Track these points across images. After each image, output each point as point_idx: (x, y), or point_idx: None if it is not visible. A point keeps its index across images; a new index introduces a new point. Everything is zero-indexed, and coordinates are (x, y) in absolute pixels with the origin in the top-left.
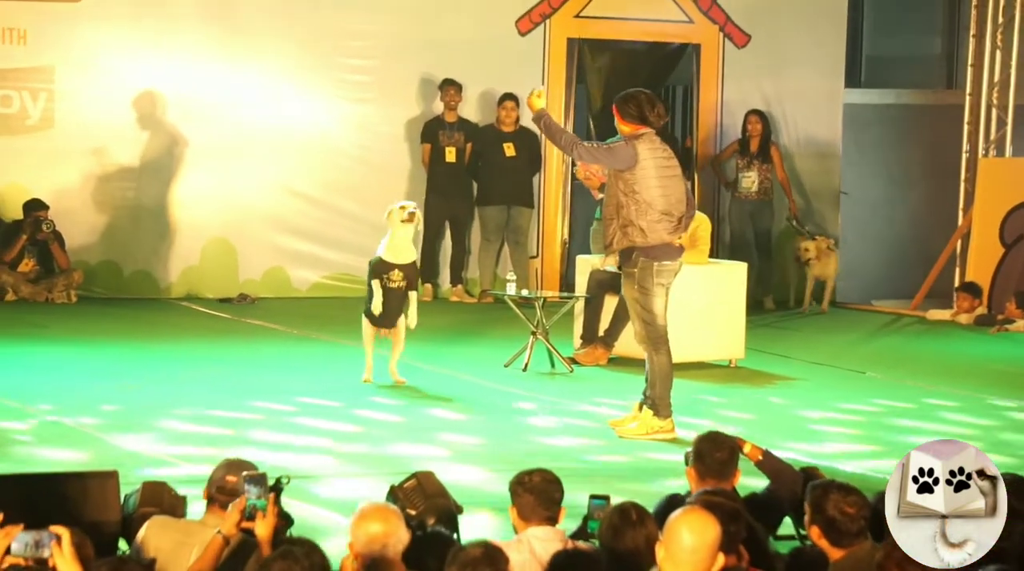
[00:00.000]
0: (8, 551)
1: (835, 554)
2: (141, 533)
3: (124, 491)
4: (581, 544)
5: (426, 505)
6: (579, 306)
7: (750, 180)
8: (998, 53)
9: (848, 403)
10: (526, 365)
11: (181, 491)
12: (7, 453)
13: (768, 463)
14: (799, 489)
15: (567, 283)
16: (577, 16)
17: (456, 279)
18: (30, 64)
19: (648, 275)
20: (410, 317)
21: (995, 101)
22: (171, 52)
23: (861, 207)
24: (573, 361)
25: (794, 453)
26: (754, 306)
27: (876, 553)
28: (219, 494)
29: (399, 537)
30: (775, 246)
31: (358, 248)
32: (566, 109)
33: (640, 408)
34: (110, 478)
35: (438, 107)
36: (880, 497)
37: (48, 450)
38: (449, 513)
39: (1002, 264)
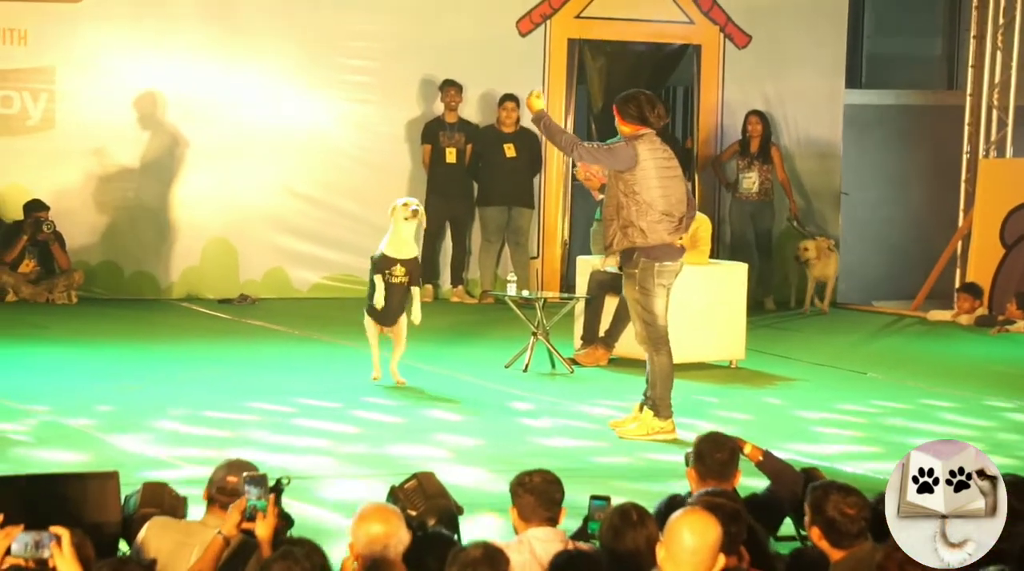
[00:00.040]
0: (8, 552)
1: (835, 555)
2: (141, 534)
3: (124, 492)
4: (582, 545)
5: (427, 506)
6: (579, 307)
7: (751, 181)
8: (999, 54)
9: (849, 404)
10: (527, 366)
11: (181, 492)
12: (7, 454)
13: (768, 464)
14: (800, 490)
15: (568, 284)
16: (578, 17)
17: (457, 280)
18: (31, 65)
19: (649, 276)
20: (414, 312)
21: (996, 102)
22: (172, 53)
23: (862, 208)
24: (574, 362)
25: (794, 454)
26: (755, 307)
27: (877, 554)
28: (219, 495)
29: (400, 538)
30: (776, 247)
31: (358, 249)
32: (567, 110)
33: (641, 409)
34: (110, 479)
35: (438, 108)
36: (880, 498)
37: (48, 451)
38: (450, 514)
39: (1003, 265)
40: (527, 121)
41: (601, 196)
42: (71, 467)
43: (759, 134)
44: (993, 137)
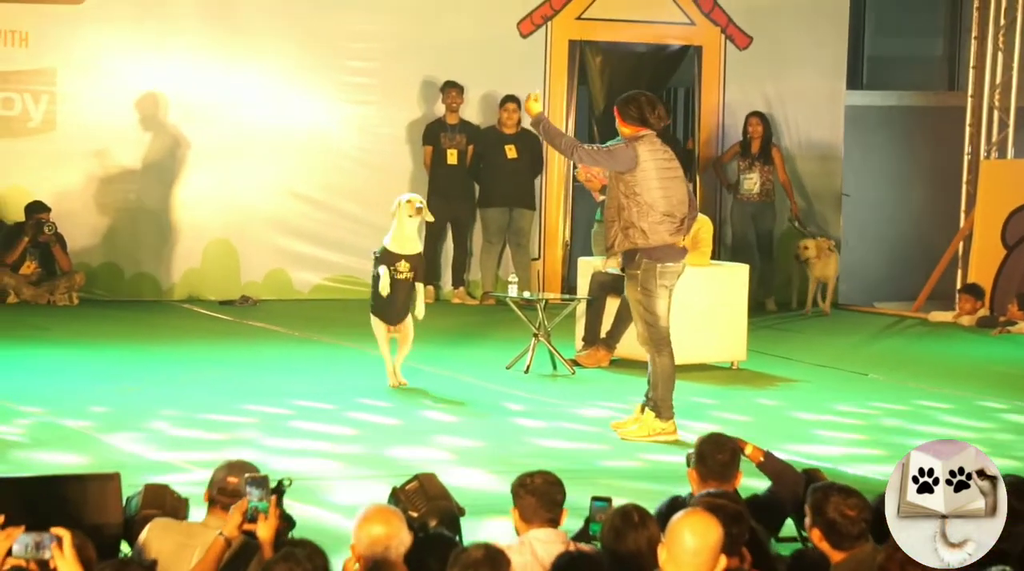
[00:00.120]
0: (10, 553)
1: (836, 556)
2: (143, 535)
3: (126, 493)
4: (583, 546)
5: (428, 507)
6: (581, 308)
7: (752, 182)
8: (1000, 55)
9: (850, 405)
10: (528, 367)
11: (183, 493)
12: (7, 456)
13: (770, 465)
14: (801, 491)
15: (569, 285)
16: (579, 18)
17: (458, 281)
18: (32, 66)
19: (651, 277)
20: (418, 308)
21: (997, 103)
22: (172, 54)
23: (863, 209)
24: (575, 363)
25: (795, 455)
26: (756, 308)
27: (877, 555)
28: (220, 496)
29: (401, 539)
30: (777, 248)
31: (360, 250)
32: (568, 111)
33: (642, 410)
34: (112, 480)
35: (439, 109)
36: (881, 499)
37: (49, 453)
38: (451, 515)
39: (1004, 266)
40: (528, 122)
41: (602, 197)
42: (72, 469)
43: (760, 135)
44: (994, 138)
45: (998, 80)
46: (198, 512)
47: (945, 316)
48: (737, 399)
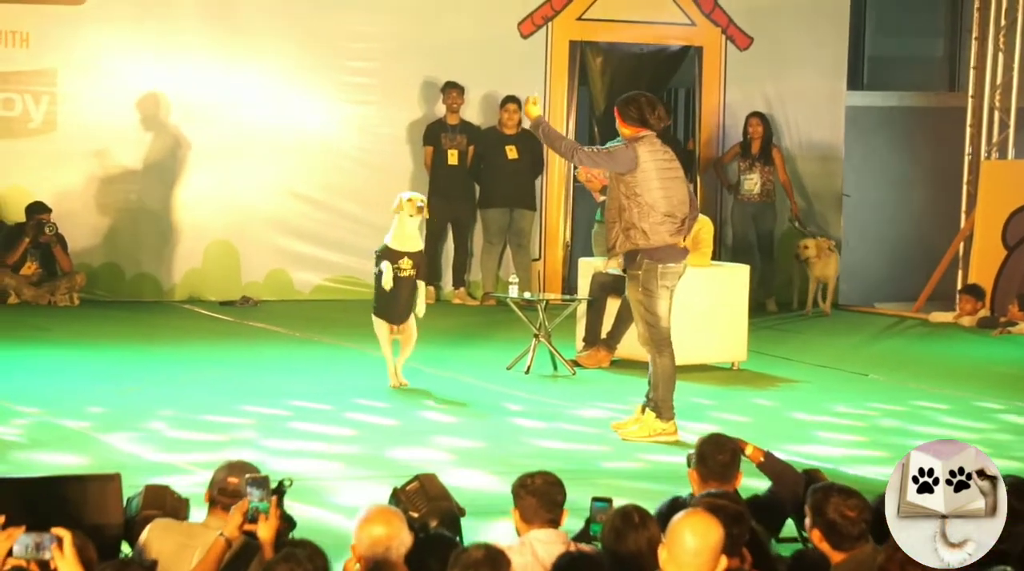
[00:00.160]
0: (10, 553)
1: (836, 557)
2: (143, 536)
3: (126, 494)
4: (584, 546)
5: (428, 507)
6: (581, 308)
7: (752, 182)
8: (1000, 55)
9: (850, 406)
10: (528, 368)
11: (183, 494)
12: (7, 456)
13: (770, 465)
14: (801, 491)
15: (569, 285)
16: (579, 19)
17: (458, 282)
18: (32, 67)
19: (652, 277)
20: (419, 305)
21: (997, 103)
22: (173, 55)
23: (863, 209)
24: (575, 363)
25: (796, 456)
26: (756, 308)
27: (878, 556)
28: (221, 496)
29: (402, 539)
30: (777, 248)
31: (360, 250)
32: (568, 112)
33: (642, 410)
34: (112, 481)
35: (440, 109)
36: (881, 499)
37: (49, 453)
38: (451, 515)
39: (1004, 266)
40: (528, 125)
41: (602, 197)
42: (72, 469)
43: (760, 136)
44: (995, 139)
45: (999, 81)
46: (199, 513)
47: (946, 317)
48: (737, 399)
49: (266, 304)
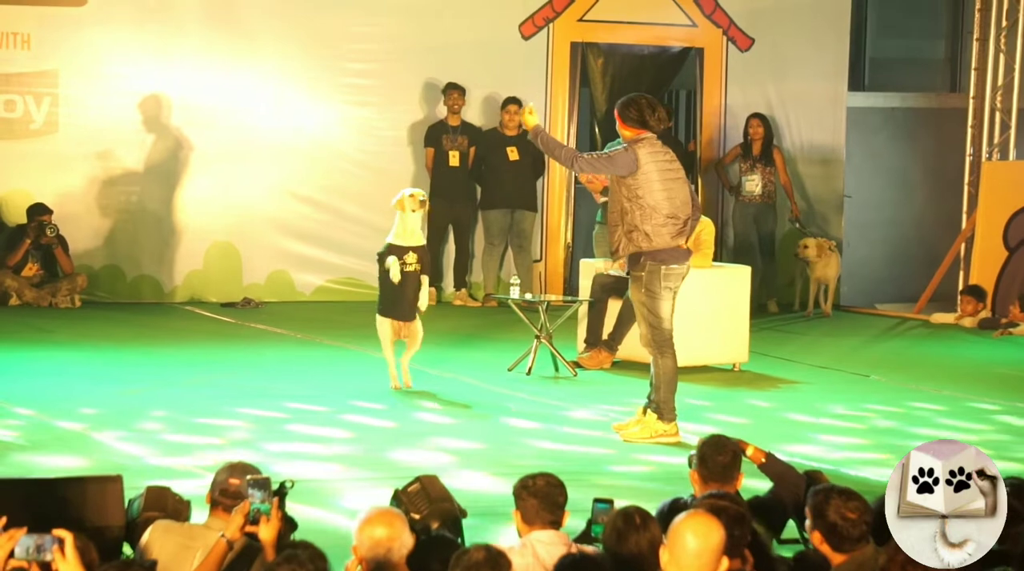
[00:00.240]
0: (11, 555)
1: (837, 559)
2: (145, 537)
3: (128, 495)
4: (585, 548)
5: (430, 509)
6: (583, 310)
7: (753, 183)
8: (1001, 56)
9: (851, 407)
10: (530, 369)
11: (184, 494)
12: (7, 458)
13: (771, 466)
14: (802, 492)
15: (571, 287)
16: (580, 20)
17: (460, 283)
18: (34, 69)
19: (655, 279)
20: (421, 299)
21: (999, 105)
22: (174, 56)
23: (864, 210)
24: (577, 365)
25: (797, 457)
26: (758, 309)
27: (879, 557)
28: (222, 497)
29: (403, 541)
30: (779, 249)
31: (362, 252)
32: (569, 113)
33: (644, 412)
34: (114, 482)
35: (441, 111)
36: (882, 501)
37: (49, 455)
38: (453, 517)
39: (1005, 267)
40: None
41: (603, 198)
42: (73, 471)
43: (760, 137)
44: (996, 139)
45: (1000, 82)
46: (200, 514)
47: (947, 318)
48: (738, 401)
49: (268, 305)
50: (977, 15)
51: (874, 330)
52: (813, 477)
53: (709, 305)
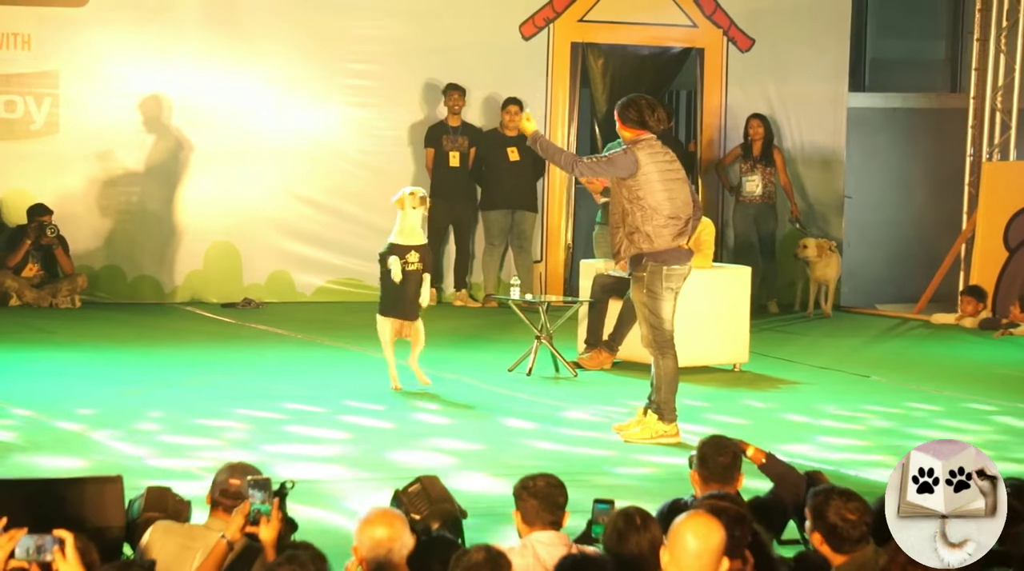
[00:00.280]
0: (12, 555)
1: (837, 560)
2: (145, 538)
3: (128, 496)
4: (586, 548)
5: (430, 510)
6: (583, 310)
7: (754, 184)
8: (1002, 57)
9: (852, 408)
10: (530, 370)
11: (184, 495)
12: (6, 459)
13: (772, 467)
14: (803, 493)
15: (571, 287)
16: (581, 20)
17: (460, 284)
18: (34, 69)
19: (657, 279)
20: (423, 295)
21: (999, 105)
22: (175, 57)
23: (865, 211)
24: (577, 365)
25: (798, 457)
26: (758, 310)
27: (879, 558)
28: (222, 498)
29: (403, 542)
30: (779, 249)
31: (362, 252)
32: (570, 114)
33: (645, 412)
34: (114, 483)
35: (442, 111)
36: (882, 501)
37: (49, 456)
38: (453, 518)
39: (1006, 268)
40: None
41: (603, 199)
42: (73, 472)
43: (760, 137)
44: (996, 140)
45: (1000, 82)
46: (200, 515)
47: (947, 318)
48: (739, 401)
49: (268, 306)
50: (977, 15)
51: (874, 331)
52: (814, 478)
53: (709, 306)
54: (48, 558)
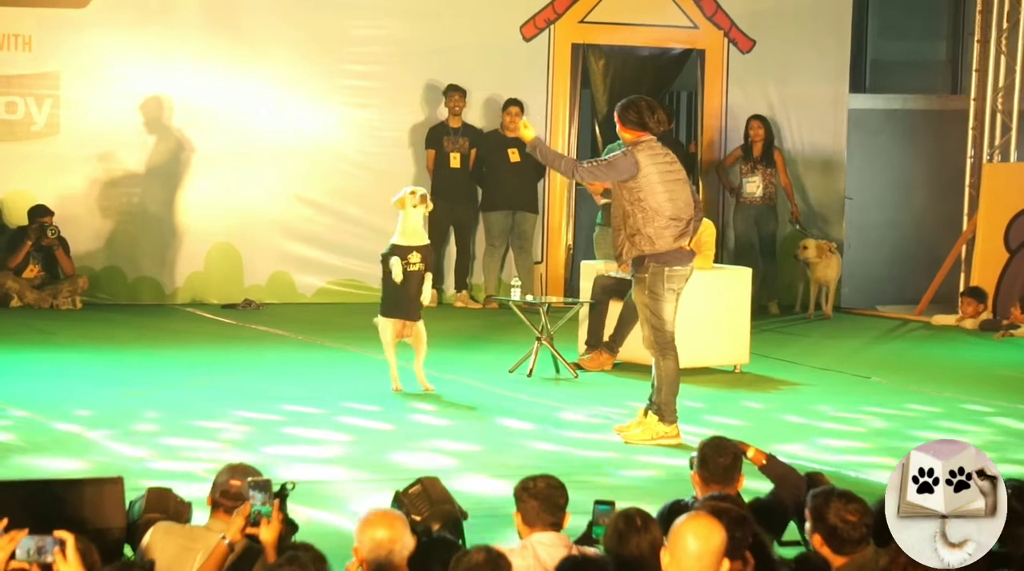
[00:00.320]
0: (13, 556)
1: (837, 561)
2: (146, 539)
3: (128, 497)
4: (586, 549)
5: (431, 511)
6: (584, 311)
7: (754, 185)
8: (1003, 58)
9: (853, 408)
10: (531, 371)
11: (185, 496)
12: (7, 461)
13: (772, 468)
14: (804, 494)
15: (571, 288)
16: (582, 21)
17: (460, 285)
18: (35, 70)
19: (659, 280)
20: (424, 294)
21: (1000, 106)
22: (176, 58)
23: (865, 212)
24: (578, 367)
25: (798, 459)
26: (759, 311)
27: (880, 559)
28: (223, 499)
29: (404, 543)
30: (780, 250)
31: (363, 253)
32: (571, 115)
33: (645, 413)
34: (115, 484)
35: (442, 113)
36: (883, 502)
37: (49, 458)
38: (454, 519)
39: (1007, 269)
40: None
41: (604, 200)
42: (74, 474)
43: (761, 138)
44: (997, 141)
45: (1001, 83)
46: (201, 516)
47: (948, 319)
48: (739, 402)
49: (269, 307)
50: (978, 17)
51: (875, 332)
52: (814, 479)
53: (710, 307)
54: (49, 559)
